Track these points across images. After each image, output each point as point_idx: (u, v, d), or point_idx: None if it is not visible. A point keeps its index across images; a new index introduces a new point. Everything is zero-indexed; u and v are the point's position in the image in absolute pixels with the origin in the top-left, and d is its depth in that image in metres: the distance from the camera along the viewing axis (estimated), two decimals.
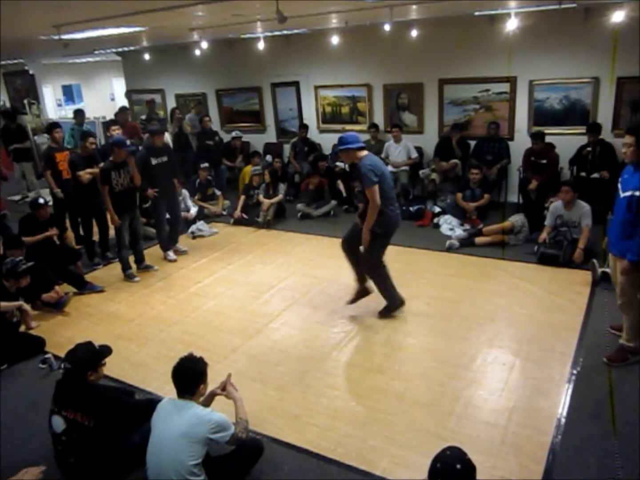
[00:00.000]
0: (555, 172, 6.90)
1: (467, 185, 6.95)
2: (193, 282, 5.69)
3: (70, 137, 7.80)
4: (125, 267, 5.81)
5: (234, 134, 9.14)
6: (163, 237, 6.33)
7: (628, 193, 3.48)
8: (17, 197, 9.47)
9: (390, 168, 7.77)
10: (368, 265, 4.51)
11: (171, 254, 6.35)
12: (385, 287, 4.58)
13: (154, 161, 5.99)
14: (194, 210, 7.53)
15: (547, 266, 5.44)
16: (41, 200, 5.71)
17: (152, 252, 6.52)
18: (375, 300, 4.99)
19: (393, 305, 4.63)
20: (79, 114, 8.33)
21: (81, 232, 6.70)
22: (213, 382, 3.04)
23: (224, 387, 3.02)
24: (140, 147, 7.15)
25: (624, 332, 3.78)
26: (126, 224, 5.70)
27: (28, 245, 5.36)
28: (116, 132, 6.78)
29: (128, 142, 5.70)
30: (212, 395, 3.02)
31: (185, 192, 7.51)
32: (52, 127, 6.61)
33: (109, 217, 6.19)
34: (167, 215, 6.34)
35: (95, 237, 6.41)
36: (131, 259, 5.96)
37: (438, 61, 7.69)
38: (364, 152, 4.26)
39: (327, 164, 8.15)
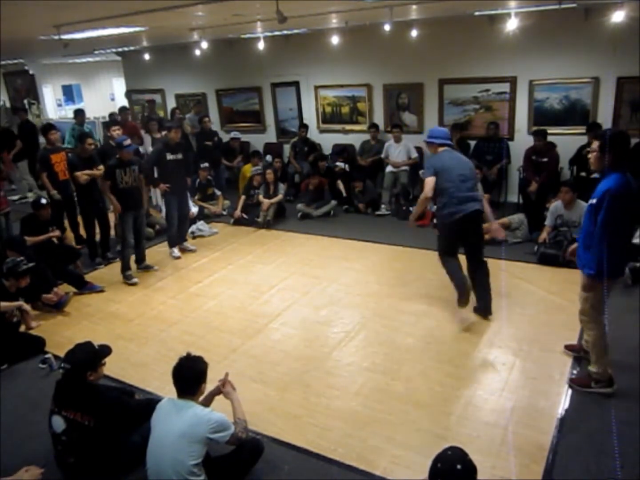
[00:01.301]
0: (556, 171, 6.90)
1: None
2: (193, 282, 5.68)
3: (71, 137, 7.80)
4: (125, 268, 5.77)
5: (232, 134, 9.15)
6: (172, 232, 6.36)
7: (590, 202, 3.31)
8: (15, 197, 9.47)
9: (389, 168, 7.80)
10: (439, 252, 4.64)
11: (175, 251, 6.37)
12: (450, 276, 4.50)
13: (169, 156, 6.05)
14: (194, 210, 7.53)
15: (547, 266, 5.44)
16: (43, 201, 5.70)
17: (153, 252, 6.53)
18: (376, 300, 5.00)
19: (459, 292, 4.42)
20: (79, 113, 8.33)
21: (81, 232, 6.70)
22: (213, 382, 3.05)
23: (222, 387, 3.01)
24: (139, 147, 7.19)
25: (591, 355, 3.54)
26: (131, 222, 5.70)
27: (29, 245, 5.35)
28: (116, 132, 6.76)
29: (128, 141, 5.69)
30: (212, 395, 3.02)
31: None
32: (47, 128, 6.55)
33: (110, 216, 6.21)
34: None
35: (96, 237, 6.40)
36: (131, 258, 5.96)
37: (438, 61, 7.69)
38: (442, 149, 4.38)
39: (327, 164, 8.16)
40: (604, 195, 3.15)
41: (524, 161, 7.01)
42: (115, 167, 5.53)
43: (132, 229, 5.73)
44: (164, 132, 6.89)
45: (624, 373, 3.63)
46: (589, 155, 3.41)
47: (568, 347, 3.96)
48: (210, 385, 2.96)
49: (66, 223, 6.63)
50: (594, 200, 3.22)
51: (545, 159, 6.75)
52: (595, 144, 3.30)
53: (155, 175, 6.34)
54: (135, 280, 5.74)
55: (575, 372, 3.72)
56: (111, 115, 9.77)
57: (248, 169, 8.18)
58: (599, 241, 3.19)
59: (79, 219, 6.64)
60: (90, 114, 11.66)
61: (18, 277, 4.52)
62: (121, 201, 5.55)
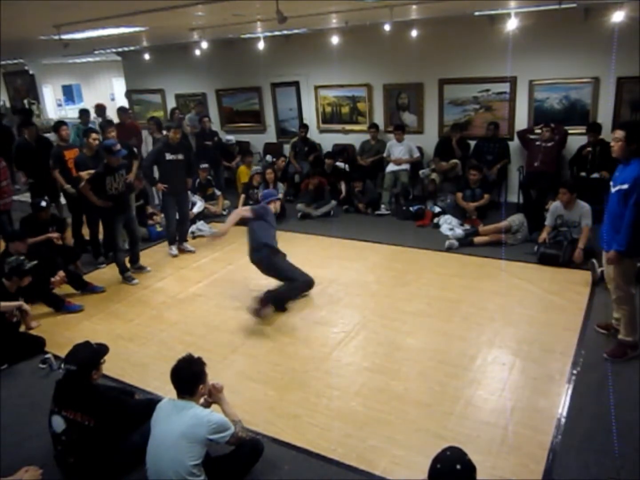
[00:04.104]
0: (560, 154, 6.93)
1: (467, 185, 6.96)
2: (193, 282, 5.68)
3: (77, 136, 7.80)
4: (123, 270, 5.76)
5: (226, 139, 9.18)
6: (170, 231, 6.40)
7: (617, 187, 3.56)
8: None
9: (390, 168, 7.81)
10: None
11: (173, 249, 6.39)
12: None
13: (168, 156, 6.06)
14: (197, 208, 7.51)
15: (547, 266, 5.43)
16: (43, 203, 5.70)
17: (152, 252, 6.54)
18: (376, 300, 5.01)
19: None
20: (84, 114, 8.35)
21: (82, 231, 6.70)
22: (214, 382, 3.04)
23: (209, 394, 2.95)
24: (134, 148, 7.19)
25: (621, 327, 3.82)
26: (120, 227, 5.66)
27: (29, 245, 5.35)
28: (112, 134, 6.73)
29: (118, 146, 5.51)
30: (209, 403, 2.98)
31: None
32: (58, 125, 6.52)
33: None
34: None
35: (100, 236, 6.40)
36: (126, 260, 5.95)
37: (438, 61, 7.69)
38: None
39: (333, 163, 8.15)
40: (635, 180, 3.40)
41: (521, 134, 7.13)
42: (104, 174, 5.43)
43: (121, 232, 5.69)
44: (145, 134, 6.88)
45: (624, 373, 3.64)
46: (612, 143, 3.61)
47: (600, 326, 4.17)
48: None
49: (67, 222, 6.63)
50: (624, 186, 3.46)
51: (550, 143, 6.80)
52: (620, 133, 3.51)
53: (156, 174, 6.33)
54: (136, 281, 5.73)
55: (574, 371, 3.72)
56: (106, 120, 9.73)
57: (244, 170, 8.22)
58: (631, 222, 3.44)
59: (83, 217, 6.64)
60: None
61: (22, 275, 4.53)
62: (111, 206, 5.52)
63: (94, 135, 6.08)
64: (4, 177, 6.05)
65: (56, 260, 5.47)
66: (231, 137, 9.33)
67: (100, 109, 9.36)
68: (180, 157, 6.15)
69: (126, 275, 5.76)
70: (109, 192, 5.48)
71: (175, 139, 6.12)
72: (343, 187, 7.90)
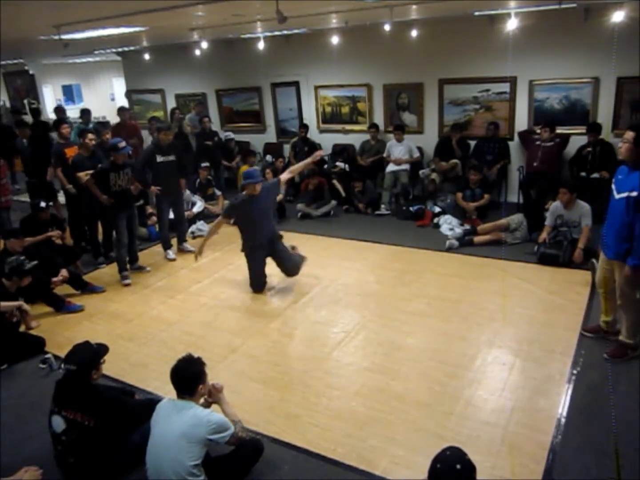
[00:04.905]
0: (561, 155, 6.92)
1: (467, 185, 6.96)
2: (193, 282, 5.68)
3: (77, 136, 7.81)
4: (122, 268, 5.75)
5: (225, 136, 9.19)
6: (164, 235, 6.36)
7: (624, 194, 3.42)
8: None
9: (390, 168, 7.81)
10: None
11: (170, 253, 6.36)
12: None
13: (159, 158, 6.00)
14: (197, 207, 7.51)
15: (547, 266, 5.44)
16: (42, 204, 5.70)
17: (152, 253, 6.54)
18: (376, 300, 5.00)
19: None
20: (85, 113, 8.34)
21: (86, 229, 6.70)
22: (214, 382, 3.04)
23: (209, 394, 2.95)
24: (131, 150, 7.20)
25: (623, 329, 3.80)
26: (124, 224, 5.66)
27: (28, 245, 5.35)
28: (107, 136, 6.73)
29: (123, 143, 5.55)
30: (209, 403, 2.99)
31: (187, 191, 7.50)
32: (58, 122, 6.47)
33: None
34: (171, 215, 6.36)
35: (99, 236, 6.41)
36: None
37: (438, 61, 7.69)
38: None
39: (327, 166, 8.14)
40: None
41: (523, 142, 7.15)
42: (109, 170, 5.46)
43: (125, 229, 5.69)
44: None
45: (624, 373, 3.64)
46: (620, 144, 3.47)
47: (587, 330, 4.15)
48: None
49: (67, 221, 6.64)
50: (634, 193, 3.32)
51: (550, 143, 6.80)
52: (630, 135, 3.35)
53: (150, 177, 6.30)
54: (128, 281, 5.69)
55: (574, 371, 3.72)
56: (99, 123, 9.67)
57: (245, 170, 8.20)
58: None
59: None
60: None
61: (22, 275, 4.53)
62: (115, 203, 5.53)
63: (90, 135, 6.08)
64: (3, 175, 6.06)
65: (56, 260, 5.47)
66: (229, 133, 9.30)
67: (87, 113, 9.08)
68: (171, 158, 6.08)
69: (123, 274, 5.74)
70: (112, 189, 5.48)
71: (165, 141, 6.05)
72: (339, 186, 7.89)
